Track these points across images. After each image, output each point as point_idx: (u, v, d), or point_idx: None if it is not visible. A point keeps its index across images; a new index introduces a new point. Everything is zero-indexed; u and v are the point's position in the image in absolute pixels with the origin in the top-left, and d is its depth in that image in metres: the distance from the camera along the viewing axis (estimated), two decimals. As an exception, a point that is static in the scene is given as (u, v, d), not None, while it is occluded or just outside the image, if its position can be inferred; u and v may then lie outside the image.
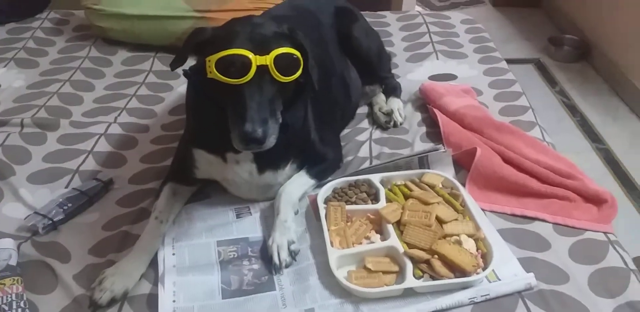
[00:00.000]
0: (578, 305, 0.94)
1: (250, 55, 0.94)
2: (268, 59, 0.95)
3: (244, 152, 1.08)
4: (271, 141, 0.98)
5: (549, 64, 2.94)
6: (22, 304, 0.94)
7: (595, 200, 1.18)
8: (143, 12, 1.87)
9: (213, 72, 0.96)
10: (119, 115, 1.56)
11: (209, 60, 0.96)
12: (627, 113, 2.51)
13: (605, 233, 1.11)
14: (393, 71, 1.72)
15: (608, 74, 2.76)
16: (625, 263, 1.03)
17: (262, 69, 0.95)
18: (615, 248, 1.07)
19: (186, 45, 1.04)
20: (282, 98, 1.03)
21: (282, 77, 0.98)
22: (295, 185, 1.17)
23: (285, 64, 0.98)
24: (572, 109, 2.56)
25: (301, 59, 1.01)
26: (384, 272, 0.99)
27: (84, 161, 1.35)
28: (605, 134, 2.36)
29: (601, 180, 2.05)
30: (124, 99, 1.64)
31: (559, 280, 0.99)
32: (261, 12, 1.60)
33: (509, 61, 2.80)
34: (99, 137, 1.44)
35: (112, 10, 1.89)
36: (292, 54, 0.99)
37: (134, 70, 1.82)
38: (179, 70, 1.10)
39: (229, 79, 0.95)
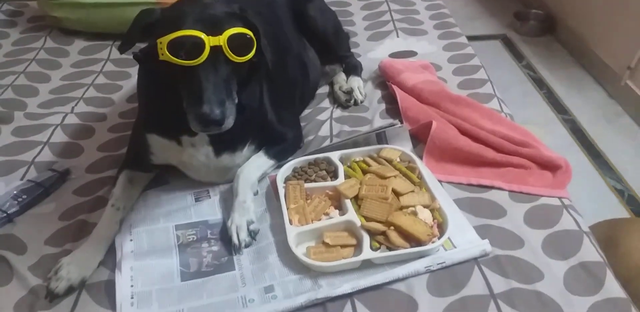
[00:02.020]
0: (532, 268, 0.96)
1: (203, 36, 0.93)
2: (221, 40, 0.94)
3: (200, 135, 1.07)
4: (229, 122, 0.97)
5: (516, 39, 2.96)
6: (-25, 297, 0.93)
7: (550, 166, 1.19)
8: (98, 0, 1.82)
9: (165, 54, 0.93)
10: (75, 105, 1.53)
11: (160, 42, 0.94)
12: (592, 84, 2.54)
13: (559, 198, 1.12)
14: (354, 50, 1.71)
15: (573, 46, 2.78)
16: (579, 225, 1.05)
17: (216, 50, 0.94)
18: (569, 212, 1.08)
19: (133, 27, 1.01)
20: (237, 78, 1.01)
21: (236, 57, 0.96)
22: (254, 166, 1.17)
23: (238, 44, 0.96)
24: (539, 82, 2.59)
25: (254, 38, 1.00)
26: (342, 246, 0.99)
27: (39, 153, 1.33)
28: (571, 105, 2.39)
29: (567, 150, 2.09)
30: (81, 89, 1.61)
31: (514, 245, 1.01)
32: (215, -6, 1.58)
33: (476, 38, 2.85)
34: (55, 128, 1.41)
35: (66, 0, 1.84)
36: (245, 34, 0.98)
37: (91, 60, 1.78)
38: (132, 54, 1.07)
39: (182, 61, 0.93)
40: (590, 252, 0.99)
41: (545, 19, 2.99)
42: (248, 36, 0.98)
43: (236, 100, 1.01)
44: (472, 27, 2.94)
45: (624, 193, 1.89)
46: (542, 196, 1.13)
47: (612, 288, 0.92)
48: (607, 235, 1.42)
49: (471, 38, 1.83)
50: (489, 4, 3.30)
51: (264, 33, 1.03)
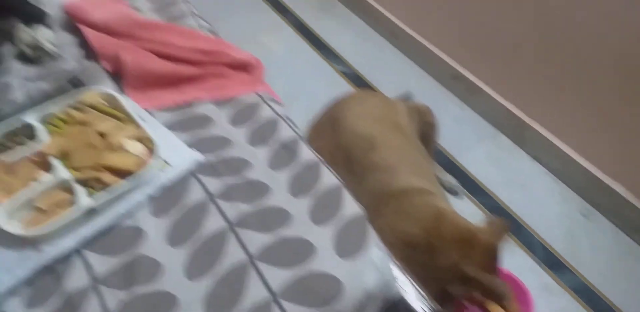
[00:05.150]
0: (240, 161, 1.06)
1: None
2: None
3: None
4: None
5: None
6: None
7: (244, 67, 1.29)
8: None
9: None
10: None
11: None
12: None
13: (257, 93, 1.23)
14: (32, -2, 1.54)
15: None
16: (275, 112, 1.18)
17: None
18: (266, 102, 1.20)
19: None
20: None
21: None
22: None
23: None
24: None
25: None
26: (59, 206, 0.96)
27: None
28: (294, 5, 2.51)
29: (296, 47, 2.25)
30: None
31: (223, 146, 1.09)
32: None
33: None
34: None
35: None
36: None
37: None
38: None
39: None
40: (286, 131, 1.12)
41: None
42: None
43: None
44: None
45: (348, 74, 2.13)
46: (241, 95, 1.22)
47: (305, 155, 1.07)
48: (333, 111, 1.63)
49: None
50: None
51: None
